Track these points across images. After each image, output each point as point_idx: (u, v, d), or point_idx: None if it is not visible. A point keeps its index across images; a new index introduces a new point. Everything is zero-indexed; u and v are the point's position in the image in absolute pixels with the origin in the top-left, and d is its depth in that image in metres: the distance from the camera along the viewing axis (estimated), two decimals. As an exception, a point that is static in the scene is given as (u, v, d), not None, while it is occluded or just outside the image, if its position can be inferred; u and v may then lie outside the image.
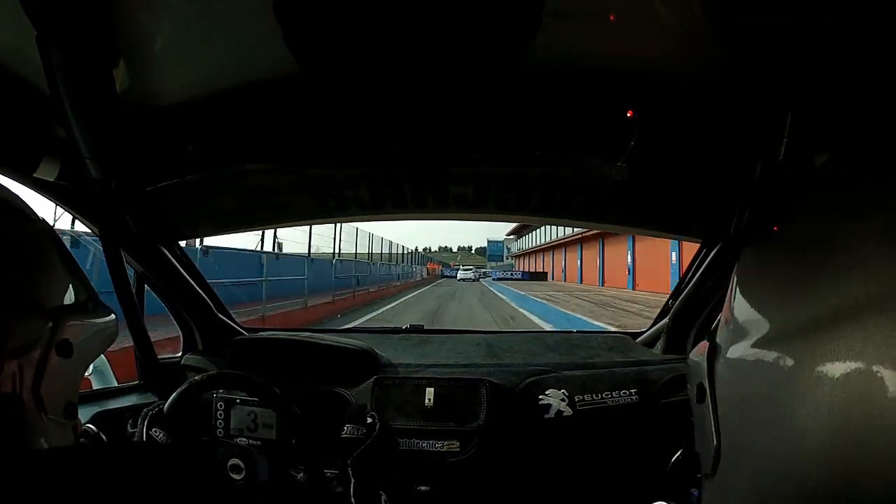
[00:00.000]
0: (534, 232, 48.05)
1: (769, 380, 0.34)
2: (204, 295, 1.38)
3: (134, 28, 0.75)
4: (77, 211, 1.05)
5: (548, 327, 9.04)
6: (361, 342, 1.29)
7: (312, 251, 12.65)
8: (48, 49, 0.71)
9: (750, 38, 0.72)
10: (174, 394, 0.96)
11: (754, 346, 0.38)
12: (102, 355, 1.27)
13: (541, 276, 43.47)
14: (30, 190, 0.93)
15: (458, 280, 41.52)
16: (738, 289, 0.44)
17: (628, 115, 0.92)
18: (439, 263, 65.66)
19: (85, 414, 1.04)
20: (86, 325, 0.59)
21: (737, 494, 0.39)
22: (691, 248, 1.44)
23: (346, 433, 1.07)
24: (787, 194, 0.81)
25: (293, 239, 12.06)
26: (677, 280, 1.51)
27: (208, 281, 1.44)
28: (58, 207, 1.03)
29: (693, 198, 1.19)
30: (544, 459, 1.15)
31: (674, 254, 15.59)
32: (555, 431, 1.14)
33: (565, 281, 37.46)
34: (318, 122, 1.00)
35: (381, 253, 23.55)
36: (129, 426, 1.02)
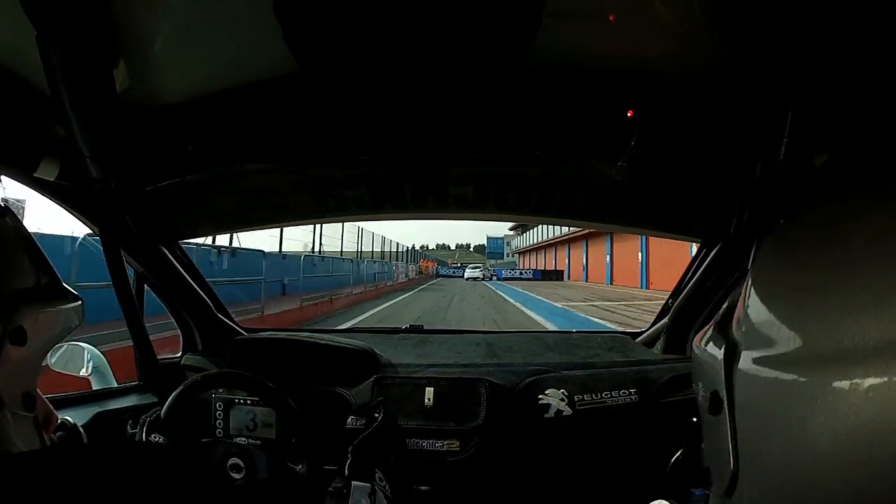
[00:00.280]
0: (538, 227, 41.01)
1: (794, 400, 0.32)
2: (204, 295, 1.38)
3: (134, 28, 0.75)
4: (77, 211, 1.05)
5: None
6: (361, 342, 1.29)
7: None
8: (48, 49, 0.71)
9: (750, 38, 0.72)
10: (170, 397, 0.96)
11: (778, 360, 0.34)
12: (102, 355, 1.27)
13: (555, 275, 37.50)
14: (30, 190, 0.93)
15: (466, 279, 36.64)
16: (753, 292, 0.41)
17: (628, 115, 0.92)
18: (434, 261, 56.90)
19: (85, 414, 1.04)
20: (44, 312, 0.58)
21: None
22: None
23: (349, 424, 1.09)
24: (787, 194, 0.81)
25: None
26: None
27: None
28: (58, 207, 1.03)
29: (693, 198, 1.19)
30: (544, 459, 1.15)
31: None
32: (554, 431, 1.14)
33: (569, 279, 35.61)
34: (318, 122, 1.00)
35: (379, 251, 22.96)
36: (128, 426, 1.02)
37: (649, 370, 1.24)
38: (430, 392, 1.16)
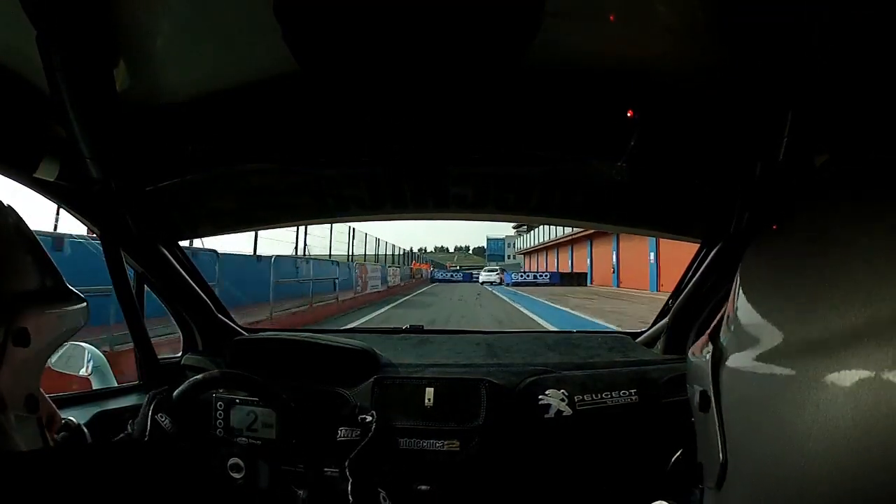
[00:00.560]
0: (546, 226, 35.62)
1: (778, 393, 0.33)
2: (204, 295, 1.38)
3: (134, 28, 0.75)
4: (77, 211, 1.05)
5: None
6: (361, 342, 1.29)
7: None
8: (48, 49, 0.71)
9: (750, 38, 0.72)
10: (185, 383, 0.98)
11: (763, 356, 0.35)
12: (102, 355, 1.27)
13: (577, 280, 30.79)
14: (30, 190, 0.93)
15: (481, 283, 32.91)
16: (742, 291, 0.42)
17: (628, 114, 0.92)
18: (429, 263, 50.33)
19: (85, 414, 1.04)
20: (47, 314, 0.58)
21: None
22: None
23: (341, 436, 1.08)
24: (787, 194, 0.81)
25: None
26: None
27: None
28: (58, 207, 1.03)
29: (693, 198, 1.19)
30: (544, 459, 1.15)
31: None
32: (554, 431, 1.14)
33: (591, 283, 30.54)
34: (318, 122, 1.00)
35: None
36: (129, 425, 1.02)
37: (649, 370, 1.24)
38: (430, 392, 1.16)
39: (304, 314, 9.92)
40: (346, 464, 1.01)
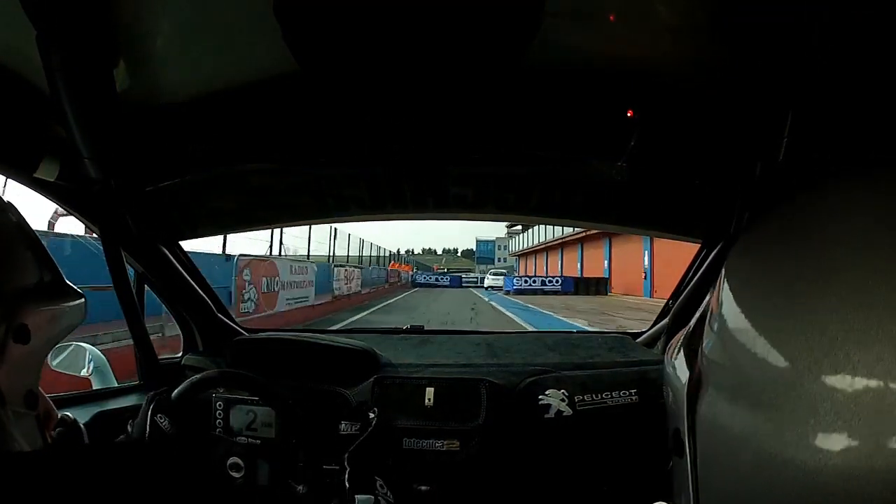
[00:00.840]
0: (541, 226, 32.67)
1: (754, 438, 0.31)
2: (204, 295, 1.38)
3: (134, 28, 0.75)
4: (77, 211, 1.05)
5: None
6: (362, 342, 1.29)
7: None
8: (48, 49, 0.71)
9: (750, 38, 0.72)
10: (184, 382, 0.97)
11: (739, 397, 0.33)
12: (102, 355, 1.27)
13: (597, 287, 24.02)
14: (30, 190, 0.93)
15: (486, 288, 28.57)
16: (722, 311, 0.39)
17: (628, 114, 0.92)
18: (410, 265, 42.82)
19: (85, 414, 1.04)
20: (47, 310, 0.58)
21: None
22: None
23: (342, 430, 1.09)
24: (787, 194, 0.81)
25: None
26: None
27: None
28: (58, 207, 1.03)
29: (693, 198, 1.19)
30: (544, 459, 1.15)
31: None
32: (554, 431, 1.14)
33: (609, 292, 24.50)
34: (318, 122, 1.00)
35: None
36: (129, 425, 1.02)
37: (650, 371, 1.24)
38: (430, 392, 1.16)
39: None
40: (346, 456, 1.01)
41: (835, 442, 0.26)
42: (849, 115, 0.75)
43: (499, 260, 63.83)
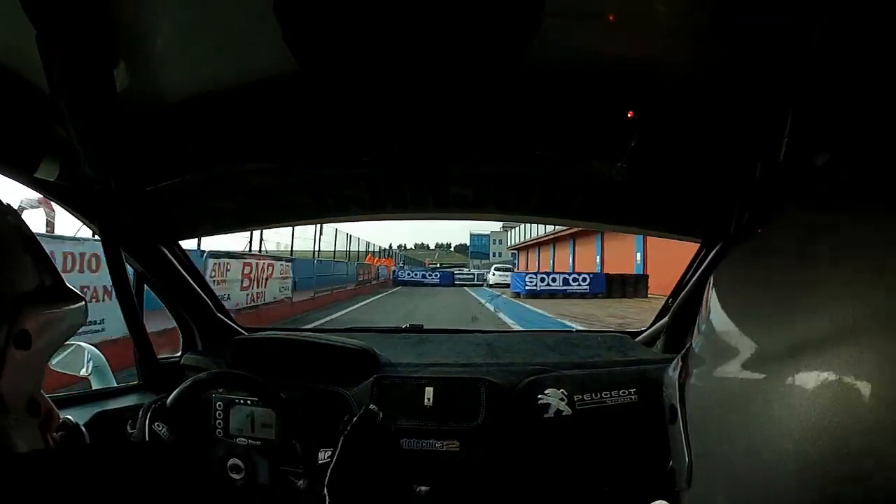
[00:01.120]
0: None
1: (738, 398, 0.35)
2: (203, 295, 1.38)
3: (134, 28, 0.75)
4: (77, 211, 1.05)
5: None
6: (361, 341, 1.29)
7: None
8: (48, 49, 0.71)
9: (750, 38, 0.72)
10: (178, 388, 0.97)
11: (724, 363, 0.37)
12: (102, 355, 1.27)
13: (635, 287, 18.81)
14: (30, 190, 0.93)
15: (492, 285, 24.85)
16: (710, 306, 0.43)
17: (628, 115, 0.92)
18: (391, 259, 36.37)
19: (85, 414, 1.04)
20: (48, 315, 0.57)
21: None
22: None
23: (321, 460, 1.02)
24: (787, 194, 0.82)
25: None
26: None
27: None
28: (58, 207, 1.03)
29: (693, 198, 1.20)
30: (543, 459, 1.15)
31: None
32: (554, 431, 1.14)
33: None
34: (318, 122, 1.00)
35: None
36: (129, 426, 1.02)
37: (649, 370, 1.24)
38: (429, 392, 1.16)
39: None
40: (340, 439, 0.98)
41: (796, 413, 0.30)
42: (849, 115, 0.75)
43: (494, 255, 60.18)
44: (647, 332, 1.52)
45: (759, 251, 0.42)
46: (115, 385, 1.26)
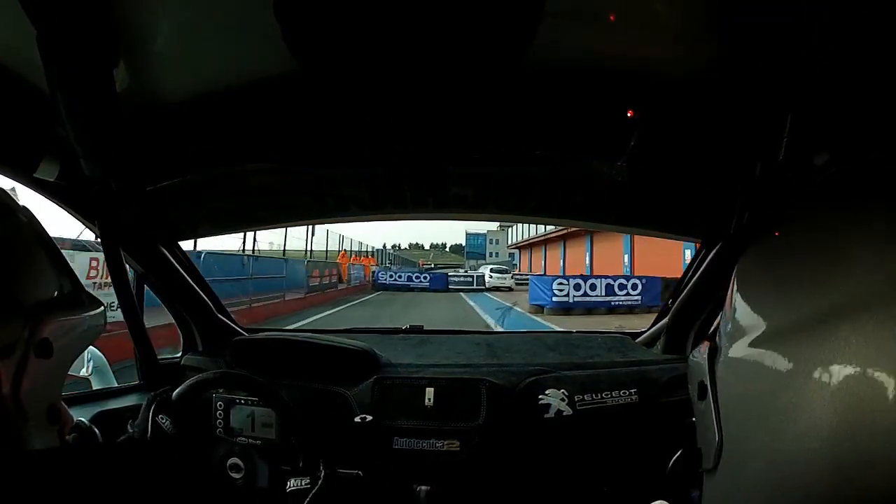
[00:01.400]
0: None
1: (770, 377, 0.35)
2: (203, 295, 1.38)
3: (134, 28, 0.75)
4: (77, 211, 1.05)
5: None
6: (362, 342, 1.29)
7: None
8: (48, 49, 0.71)
9: (750, 38, 0.72)
10: (185, 383, 0.97)
11: (754, 343, 0.38)
12: (102, 355, 1.27)
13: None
14: (30, 190, 0.93)
15: (486, 289, 21.50)
16: (737, 288, 0.44)
17: (629, 115, 0.92)
18: (373, 258, 31.29)
19: (85, 414, 1.04)
20: (68, 322, 0.56)
21: (740, 488, 0.39)
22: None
23: (290, 487, 1.00)
24: (787, 194, 0.82)
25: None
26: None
27: None
28: (58, 208, 1.03)
29: (693, 198, 1.19)
30: (544, 459, 1.15)
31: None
32: (554, 431, 1.14)
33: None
34: (318, 122, 1.00)
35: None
36: (129, 426, 1.02)
37: (649, 370, 1.24)
38: (430, 392, 1.16)
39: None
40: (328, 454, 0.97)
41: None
42: (849, 115, 0.75)
43: (490, 255, 57.17)
44: (648, 332, 1.52)
45: (780, 244, 0.43)
46: (116, 385, 1.25)
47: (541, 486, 1.15)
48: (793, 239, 0.42)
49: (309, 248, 14.50)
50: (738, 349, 0.41)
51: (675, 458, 0.86)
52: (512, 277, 23.44)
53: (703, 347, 0.51)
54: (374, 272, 23.33)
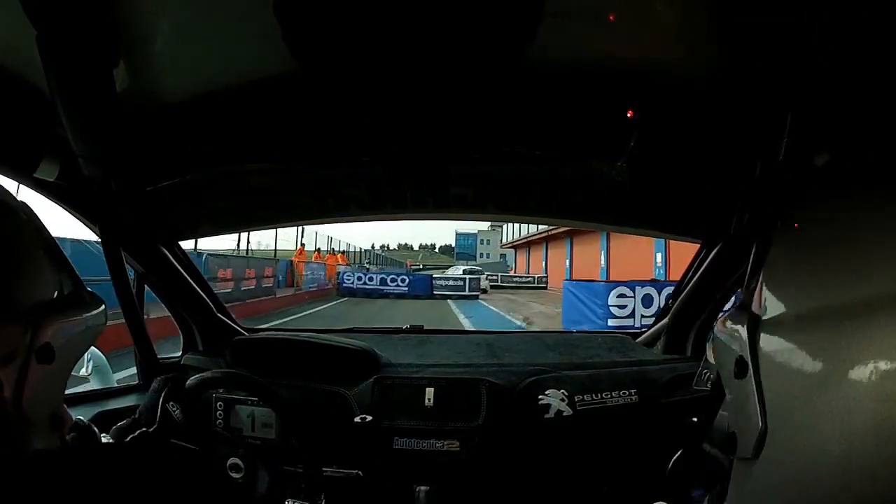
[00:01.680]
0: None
1: (823, 360, 0.33)
2: (204, 295, 1.38)
3: (134, 28, 0.75)
4: (77, 211, 1.05)
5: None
6: (362, 342, 1.29)
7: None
8: (48, 49, 0.71)
9: (750, 38, 0.72)
10: (195, 377, 0.94)
11: (805, 320, 0.36)
12: (102, 355, 1.27)
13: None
14: (30, 190, 0.93)
15: (469, 296, 17.80)
16: (772, 273, 0.42)
17: (629, 114, 0.92)
18: (343, 255, 25.05)
19: (85, 414, 1.04)
20: (70, 324, 0.54)
21: (784, 484, 0.36)
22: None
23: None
24: (787, 194, 0.81)
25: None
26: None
27: None
28: (58, 207, 1.03)
29: (693, 198, 1.19)
30: (544, 459, 1.15)
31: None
32: (554, 431, 1.14)
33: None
34: (318, 122, 1.00)
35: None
36: (137, 412, 1.02)
37: (650, 370, 1.24)
38: (430, 392, 1.16)
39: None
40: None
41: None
42: (849, 115, 0.75)
43: (482, 255, 54.73)
44: (648, 332, 1.52)
45: (815, 230, 0.41)
46: (116, 385, 1.25)
47: (541, 486, 1.15)
48: (823, 228, 0.40)
49: (276, 248, 13.54)
50: (786, 323, 0.39)
51: (675, 458, 0.86)
52: (486, 279, 21.41)
53: (734, 323, 0.46)
54: (338, 274, 18.45)
